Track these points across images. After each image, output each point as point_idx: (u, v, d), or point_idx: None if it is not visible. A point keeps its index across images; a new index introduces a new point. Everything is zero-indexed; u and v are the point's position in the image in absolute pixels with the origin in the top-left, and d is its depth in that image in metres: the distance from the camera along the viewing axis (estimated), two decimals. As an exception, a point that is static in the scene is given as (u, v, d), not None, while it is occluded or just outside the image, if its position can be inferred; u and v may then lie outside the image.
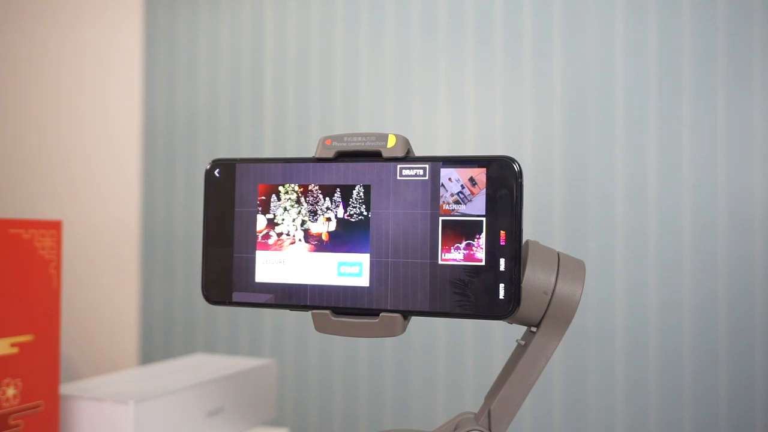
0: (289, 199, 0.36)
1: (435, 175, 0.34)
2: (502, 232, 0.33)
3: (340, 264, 0.35)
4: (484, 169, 0.33)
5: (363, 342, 1.28)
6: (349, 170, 0.35)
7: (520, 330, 1.10)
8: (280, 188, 0.36)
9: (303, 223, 0.36)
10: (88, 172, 1.57)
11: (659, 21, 1.14)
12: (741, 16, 1.09)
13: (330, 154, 0.35)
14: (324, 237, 0.35)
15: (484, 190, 0.33)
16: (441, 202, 0.34)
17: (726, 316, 1.09)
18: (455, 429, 0.37)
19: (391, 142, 0.35)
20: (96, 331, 1.52)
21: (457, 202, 0.33)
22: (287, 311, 1.33)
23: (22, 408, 0.49)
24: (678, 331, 1.11)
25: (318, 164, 0.36)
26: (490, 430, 0.35)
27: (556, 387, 1.16)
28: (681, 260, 1.11)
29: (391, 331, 0.34)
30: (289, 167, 0.36)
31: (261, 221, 0.36)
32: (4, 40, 1.68)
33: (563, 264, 0.35)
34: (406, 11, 1.30)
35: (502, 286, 0.32)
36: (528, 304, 0.34)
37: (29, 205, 1.63)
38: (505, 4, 1.22)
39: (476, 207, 0.33)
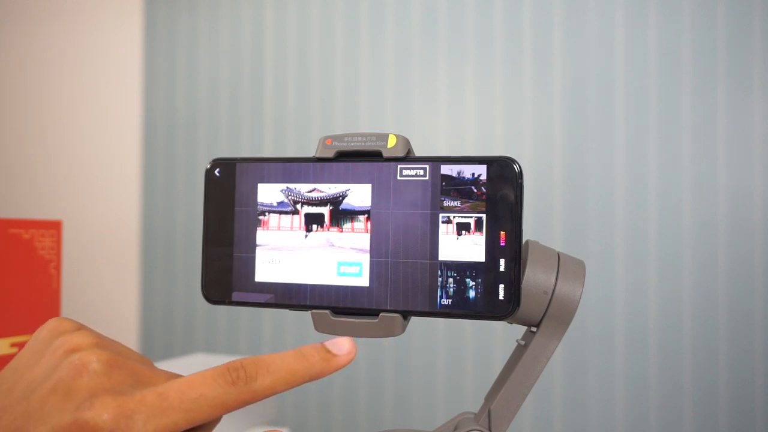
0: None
1: (435, 175, 0.34)
2: (502, 232, 0.33)
3: (340, 264, 0.35)
4: (484, 169, 0.33)
5: (363, 342, 1.28)
6: (349, 170, 0.35)
7: (520, 330, 1.10)
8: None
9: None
10: (88, 172, 1.57)
11: (659, 21, 1.14)
12: (741, 16, 1.09)
13: (330, 154, 0.35)
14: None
15: (484, 190, 0.33)
16: (441, 202, 0.34)
17: (726, 316, 1.09)
18: (455, 429, 0.37)
19: (392, 142, 0.35)
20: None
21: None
22: (287, 311, 1.33)
23: (22, 408, 0.49)
24: (678, 331, 1.11)
25: (318, 164, 0.36)
26: (490, 430, 0.35)
27: (556, 387, 1.16)
28: (681, 260, 1.10)
29: (390, 332, 0.34)
30: (289, 167, 0.36)
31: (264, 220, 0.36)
32: (4, 41, 1.68)
33: (563, 264, 0.35)
34: (406, 12, 1.30)
35: (502, 286, 0.32)
36: (528, 304, 0.34)
37: (29, 205, 1.63)
38: (505, 4, 1.23)
39: (476, 207, 0.33)
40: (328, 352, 0.30)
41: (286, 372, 0.28)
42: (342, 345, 0.30)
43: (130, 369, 0.27)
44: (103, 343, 0.27)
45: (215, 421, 0.29)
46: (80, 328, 0.28)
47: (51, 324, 0.28)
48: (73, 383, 0.25)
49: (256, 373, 0.27)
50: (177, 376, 0.28)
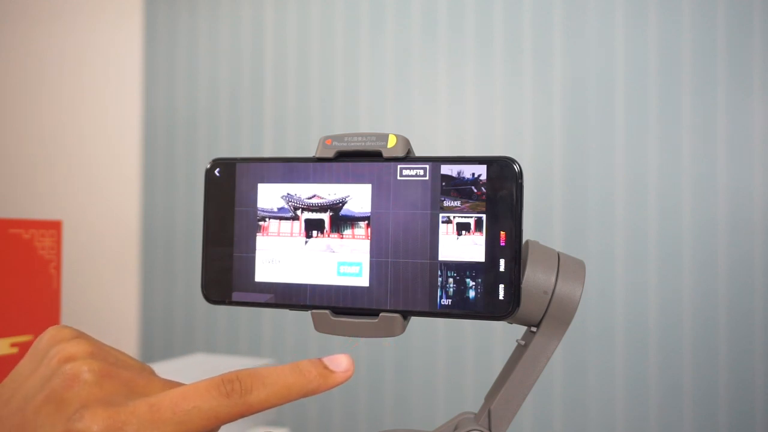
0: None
1: (435, 175, 0.34)
2: (502, 232, 0.33)
3: (340, 264, 0.35)
4: (484, 169, 0.33)
5: (363, 342, 1.28)
6: (349, 170, 0.35)
7: (520, 330, 1.11)
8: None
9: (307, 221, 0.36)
10: (88, 172, 1.57)
11: (659, 21, 1.14)
12: (741, 16, 1.09)
13: (330, 154, 0.35)
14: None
15: (484, 190, 0.33)
16: (441, 202, 0.34)
17: (726, 316, 1.09)
18: (455, 429, 0.37)
19: (392, 142, 0.35)
20: (96, 331, 1.52)
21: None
22: (287, 311, 1.33)
23: (22, 408, 0.49)
24: (678, 331, 1.11)
25: (318, 164, 0.36)
26: (490, 430, 0.35)
27: (556, 387, 1.16)
28: (681, 260, 1.11)
29: (390, 332, 0.34)
30: (289, 167, 0.36)
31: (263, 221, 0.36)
32: (4, 41, 1.68)
33: (563, 264, 0.35)
34: (406, 12, 1.30)
35: (502, 286, 0.32)
36: (528, 304, 0.34)
37: (29, 205, 1.63)
38: (505, 4, 1.23)
39: (476, 207, 0.33)
40: (326, 368, 0.30)
41: (281, 386, 0.28)
42: (340, 362, 0.30)
43: (124, 379, 0.26)
44: (98, 352, 0.27)
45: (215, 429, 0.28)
46: (78, 336, 0.28)
47: (50, 332, 0.28)
48: (65, 394, 0.25)
49: (251, 386, 0.27)
50: (175, 384, 0.28)
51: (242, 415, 0.27)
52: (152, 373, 0.29)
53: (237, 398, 0.27)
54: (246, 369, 0.28)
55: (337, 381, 0.30)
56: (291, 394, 0.28)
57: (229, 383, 0.27)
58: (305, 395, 0.29)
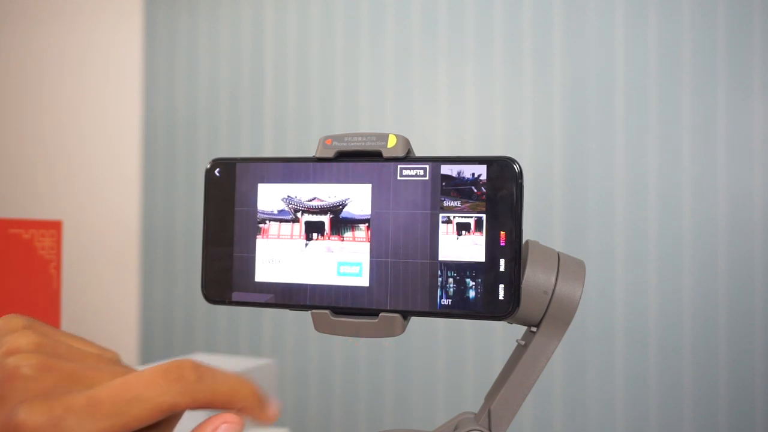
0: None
1: (435, 175, 0.34)
2: (502, 232, 0.33)
3: (340, 264, 0.35)
4: (484, 169, 0.33)
5: (363, 342, 1.28)
6: (349, 170, 0.35)
7: (520, 330, 1.11)
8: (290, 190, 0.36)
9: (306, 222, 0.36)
10: (88, 172, 1.56)
11: (659, 21, 1.14)
12: (741, 16, 1.09)
13: (330, 154, 0.35)
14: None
15: (484, 190, 0.33)
16: (441, 202, 0.34)
17: (726, 316, 1.09)
18: (455, 429, 0.37)
19: (392, 142, 0.35)
20: (96, 331, 1.52)
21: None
22: (287, 311, 1.33)
23: (22, 408, 0.49)
24: (678, 331, 1.11)
25: (318, 164, 0.36)
26: (490, 430, 0.35)
27: (556, 387, 1.16)
28: (681, 260, 1.11)
29: (390, 332, 0.34)
30: (289, 167, 0.36)
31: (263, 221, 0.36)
32: (4, 41, 1.68)
33: (563, 264, 0.35)
34: (406, 12, 1.30)
35: (501, 286, 0.32)
36: (528, 304, 0.34)
37: (29, 205, 1.63)
38: (505, 4, 1.23)
39: (476, 207, 0.33)
40: (266, 401, 0.29)
41: (229, 387, 0.27)
42: (275, 408, 0.29)
43: (67, 372, 0.25)
44: (46, 343, 0.26)
45: (170, 421, 0.27)
46: (28, 327, 0.27)
47: (1, 322, 0.27)
48: (4, 389, 0.24)
49: (199, 376, 0.26)
50: (131, 371, 0.27)
51: (188, 407, 0.26)
52: (113, 361, 0.28)
53: (183, 386, 0.25)
54: (192, 360, 0.27)
55: (266, 416, 0.29)
56: (234, 399, 0.27)
57: (176, 370, 0.25)
58: (244, 409, 0.28)
